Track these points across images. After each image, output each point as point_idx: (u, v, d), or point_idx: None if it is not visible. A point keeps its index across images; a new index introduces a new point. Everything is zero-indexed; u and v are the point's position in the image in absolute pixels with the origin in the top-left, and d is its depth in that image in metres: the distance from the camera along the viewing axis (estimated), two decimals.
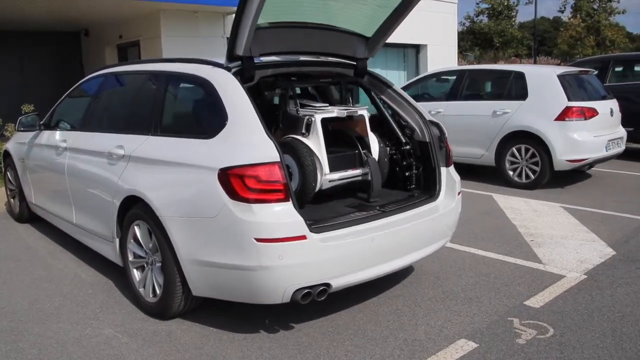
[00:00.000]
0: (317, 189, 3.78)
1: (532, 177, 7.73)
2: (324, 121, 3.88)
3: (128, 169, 3.93)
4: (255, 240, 3.13)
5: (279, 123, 4.10)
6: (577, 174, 8.57)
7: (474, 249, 5.17)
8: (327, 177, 3.81)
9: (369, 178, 3.99)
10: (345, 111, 4.03)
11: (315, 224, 3.34)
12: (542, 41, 47.39)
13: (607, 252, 5.03)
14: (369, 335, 3.54)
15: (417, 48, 16.76)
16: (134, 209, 3.85)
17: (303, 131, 3.84)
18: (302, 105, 4.04)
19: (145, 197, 3.66)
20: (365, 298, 4.05)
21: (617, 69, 10.58)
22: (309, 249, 3.21)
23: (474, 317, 3.78)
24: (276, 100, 4.56)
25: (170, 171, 3.58)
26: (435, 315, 3.81)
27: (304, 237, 3.19)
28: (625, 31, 42.14)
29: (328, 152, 3.84)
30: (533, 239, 5.45)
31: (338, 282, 3.37)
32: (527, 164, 7.78)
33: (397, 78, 15.75)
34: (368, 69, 4.43)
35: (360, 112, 4.11)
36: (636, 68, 10.68)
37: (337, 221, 3.49)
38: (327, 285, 3.33)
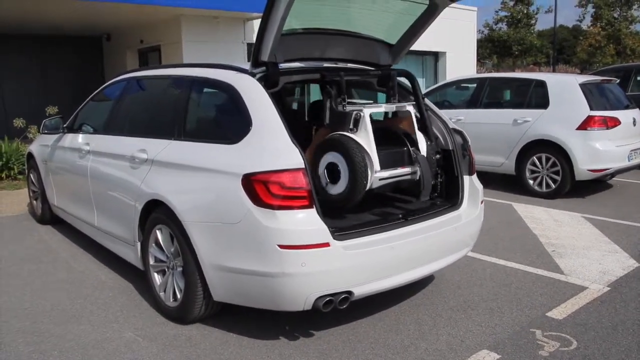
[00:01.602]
0: (367, 187, 3.60)
1: (553, 186, 7.65)
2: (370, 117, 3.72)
3: (151, 173, 3.95)
4: (278, 247, 3.12)
5: (324, 120, 3.93)
6: (598, 183, 8.47)
7: (495, 259, 5.12)
8: (377, 174, 3.62)
9: (418, 177, 3.83)
10: (394, 106, 3.94)
11: (339, 231, 3.32)
12: (561, 49, 47.02)
13: (630, 264, 4.95)
14: (390, 344, 3.51)
15: (436, 55, 16.73)
16: (156, 213, 3.87)
17: (351, 127, 3.66)
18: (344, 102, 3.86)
19: (167, 202, 3.68)
20: (386, 306, 4.03)
21: (639, 78, 10.45)
22: (332, 257, 3.20)
23: (496, 327, 3.74)
24: (293, 103, 4.52)
25: (193, 176, 3.59)
26: (457, 325, 3.78)
27: (327, 245, 3.18)
28: None
29: (377, 149, 3.66)
30: (554, 249, 5.38)
31: (360, 290, 3.35)
32: (547, 173, 7.70)
33: (409, 82, 15.70)
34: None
35: (407, 108, 3.98)
36: None
37: (360, 229, 3.47)
38: (349, 293, 3.31)
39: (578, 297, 4.22)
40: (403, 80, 4.32)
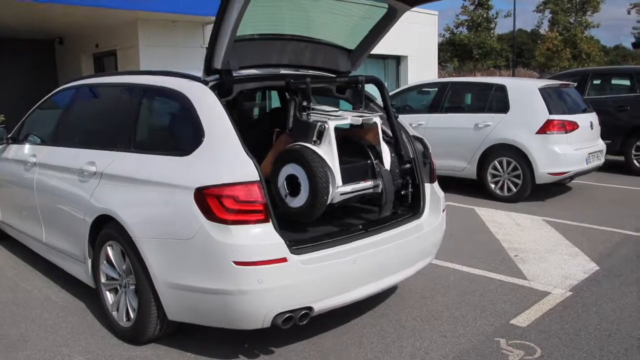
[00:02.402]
0: (328, 202, 3.45)
1: (514, 190, 7.70)
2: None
3: (100, 187, 3.76)
4: (233, 264, 2.98)
5: (287, 128, 3.72)
6: (558, 186, 8.56)
7: (458, 265, 5.07)
8: (339, 189, 3.48)
9: (380, 191, 3.72)
10: (361, 118, 3.75)
11: (296, 244, 3.20)
12: (519, 53, 48.05)
13: (591, 267, 4.97)
14: (353, 358, 3.41)
15: (397, 59, 16.78)
16: (106, 228, 3.69)
17: (314, 139, 3.48)
18: (309, 110, 3.69)
19: (117, 217, 3.50)
20: (348, 318, 3.92)
21: (595, 82, 10.66)
22: (290, 272, 3.07)
23: (460, 337, 3.67)
24: (253, 110, 4.38)
25: (144, 190, 3.43)
26: (421, 336, 3.70)
27: (284, 260, 3.05)
28: (600, 44, 42.96)
29: (339, 162, 3.52)
30: (517, 254, 5.37)
31: (320, 306, 3.24)
32: (508, 177, 7.74)
33: (377, 89, 15.69)
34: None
35: (373, 120, 3.83)
36: (614, 81, 10.76)
37: (319, 242, 3.35)
38: (310, 309, 3.19)
39: (541, 303, 4.20)
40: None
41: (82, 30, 12.95)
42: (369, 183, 3.71)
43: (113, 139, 3.91)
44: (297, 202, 3.46)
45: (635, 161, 9.70)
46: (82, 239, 3.92)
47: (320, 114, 3.70)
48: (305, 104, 3.68)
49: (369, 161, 3.77)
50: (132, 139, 3.78)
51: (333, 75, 4.22)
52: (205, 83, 3.49)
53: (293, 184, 3.48)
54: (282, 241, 3.07)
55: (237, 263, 2.98)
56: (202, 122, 3.30)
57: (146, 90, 3.90)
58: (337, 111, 3.84)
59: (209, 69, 3.45)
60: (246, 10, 3.18)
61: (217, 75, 3.51)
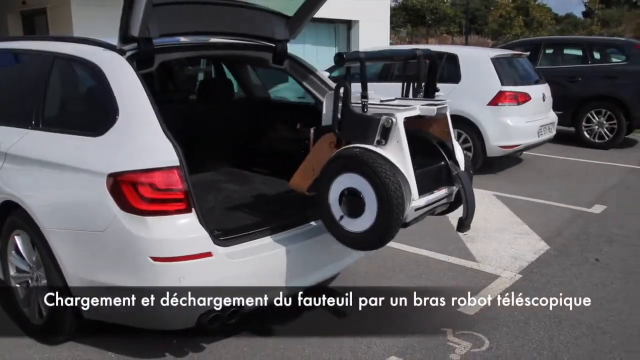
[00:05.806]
0: (402, 222, 2.80)
1: None
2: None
3: (5, 169, 3.34)
4: (150, 259, 2.67)
5: (335, 126, 2.95)
6: (509, 158, 8.44)
7: (405, 245, 4.84)
8: (414, 203, 2.80)
9: (454, 199, 3.12)
10: (435, 108, 2.97)
11: (223, 235, 2.89)
12: (472, 19, 48.17)
13: (541, 247, 4.85)
14: (289, 356, 3.18)
15: (348, 24, 16.36)
16: (12, 216, 3.29)
17: (378, 138, 2.80)
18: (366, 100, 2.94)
19: (23, 204, 3.12)
20: (282, 311, 3.60)
21: (548, 52, 10.54)
22: (215, 267, 2.78)
23: (405, 329, 3.45)
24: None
25: (52, 174, 3.05)
26: (364, 327, 3.46)
27: (209, 254, 2.75)
28: (551, 12, 43.37)
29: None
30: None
31: (252, 302, 2.94)
32: None
33: (328, 55, 15.24)
34: (289, 51, 3.94)
35: (446, 110, 3.12)
36: (566, 51, 10.68)
37: (250, 231, 3.04)
38: (239, 306, 2.89)
39: (490, 288, 4.05)
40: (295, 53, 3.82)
41: None
42: (443, 191, 3.08)
43: (18, 114, 3.47)
44: (359, 225, 2.80)
45: (585, 133, 9.69)
46: None
47: (373, 103, 2.96)
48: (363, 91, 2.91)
49: (442, 162, 3.09)
50: (39, 115, 3.34)
51: (271, 45, 3.84)
52: (122, 53, 3.08)
53: (352, 202, 2.82)
54: (207, 233, 2.76)
55: (154, 259, 2.67)
56: (115, 97, 2.91)
57: (56, 59, 3.43)
58: (392, 99, 3.10)
59: (125, 36, 3.03)
60: None
61: (135, 44, 3.10)
